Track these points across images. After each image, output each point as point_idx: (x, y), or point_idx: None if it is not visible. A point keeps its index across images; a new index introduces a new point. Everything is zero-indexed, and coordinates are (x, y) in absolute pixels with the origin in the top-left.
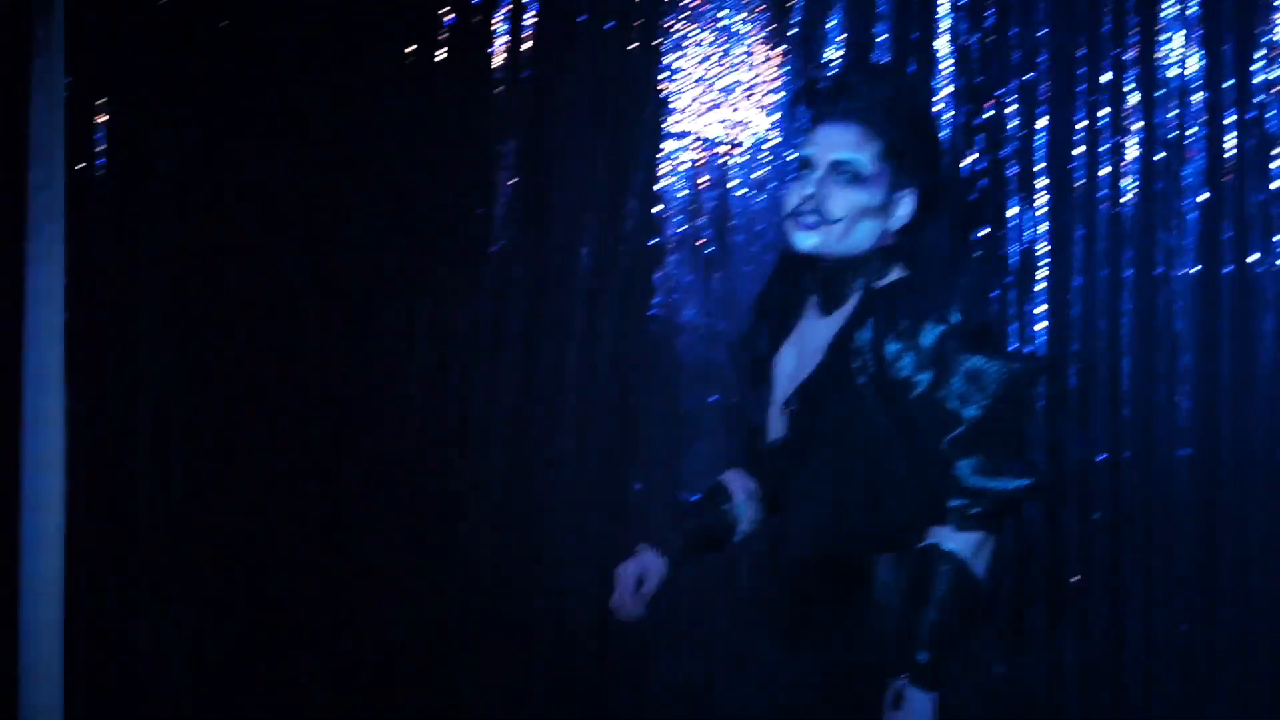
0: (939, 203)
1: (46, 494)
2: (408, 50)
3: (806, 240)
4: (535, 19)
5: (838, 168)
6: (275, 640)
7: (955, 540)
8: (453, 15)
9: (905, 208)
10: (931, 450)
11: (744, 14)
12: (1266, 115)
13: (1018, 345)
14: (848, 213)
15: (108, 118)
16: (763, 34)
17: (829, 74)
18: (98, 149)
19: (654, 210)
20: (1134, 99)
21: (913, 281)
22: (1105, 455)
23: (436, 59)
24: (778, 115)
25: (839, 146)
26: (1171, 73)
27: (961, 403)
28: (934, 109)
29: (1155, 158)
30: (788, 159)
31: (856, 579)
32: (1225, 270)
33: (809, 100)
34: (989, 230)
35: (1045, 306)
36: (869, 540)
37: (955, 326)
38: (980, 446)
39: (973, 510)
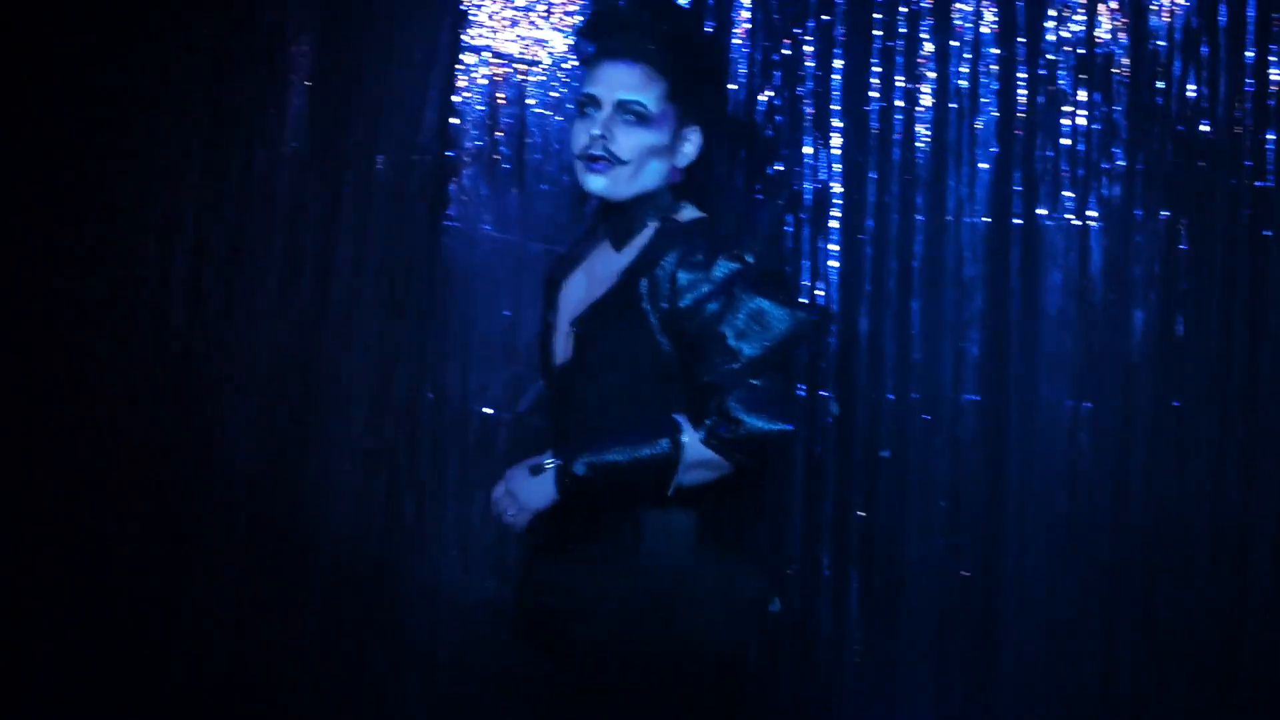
0: (725, 138)
1: None
2: None
3: (596, 182)
4: None
5: (623, 107)
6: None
7: (693, 441)
8: None
9: (692, 145)
10: (707, 380)
11: None
12: (1058, 73)
13: (809, 283)
14: (635, 154)
15: None
16: None
17: (614, 4)
18: None
19: (450, 122)
20: (929, 48)
21: (707, 222)
22: (893, 396)
23: None
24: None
25: (623, 87)
26: (966, 25)
27: (740, 339)
28: (717, 42)
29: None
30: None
31: (625, 534)
32: (1015, 222)
33: (592, 33)
34: (783, 167)
35: (838, 246)
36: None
37: (749, 266)
38: (750, 384)
39: (721, 431)
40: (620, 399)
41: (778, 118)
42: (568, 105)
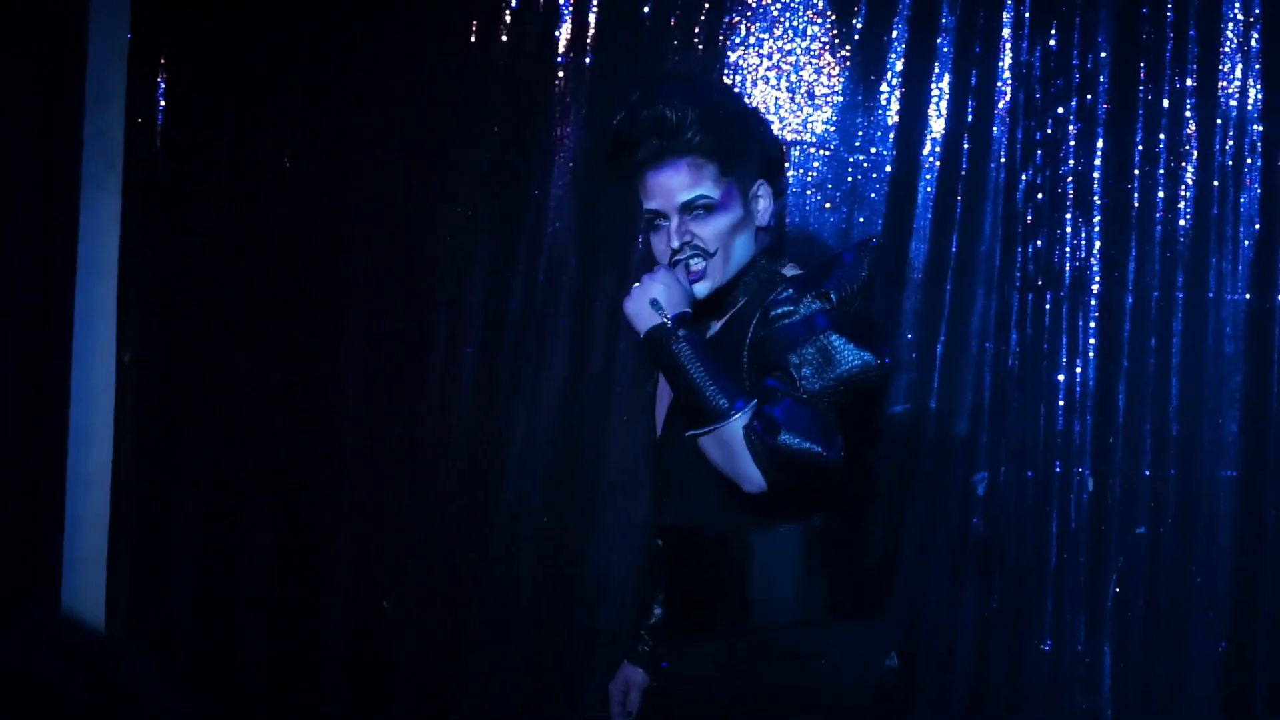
0: (786, 177)
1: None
2: (473, 29)
3: (699, 289)
4: (600, 6)
5: (688, 208)
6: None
7: (738, 422)
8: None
9: (765, 200)
10: (763, 388)
11: (808, 14)
12: None
13: (1065, 360)
14: (719, 242)
15: (166, 74)
16: (826, 35)
17: (631, 113)
18: (159, 105)
19: None
20: (1190, 127)
21: (805, 275)
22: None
23: (501, 41)
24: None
25: (679, 190)
26: (1232, 103)
27: (802, 367)
28: (733, 92)
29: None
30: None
31: (733, 558)
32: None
33: (624, 149)
34: (1042, 246)
35: (1095, 324)
36: (749, 514)
37: (833, 305)
38: (798, 402)
39: (758, 427)
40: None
41: (1038, 197)
42: None
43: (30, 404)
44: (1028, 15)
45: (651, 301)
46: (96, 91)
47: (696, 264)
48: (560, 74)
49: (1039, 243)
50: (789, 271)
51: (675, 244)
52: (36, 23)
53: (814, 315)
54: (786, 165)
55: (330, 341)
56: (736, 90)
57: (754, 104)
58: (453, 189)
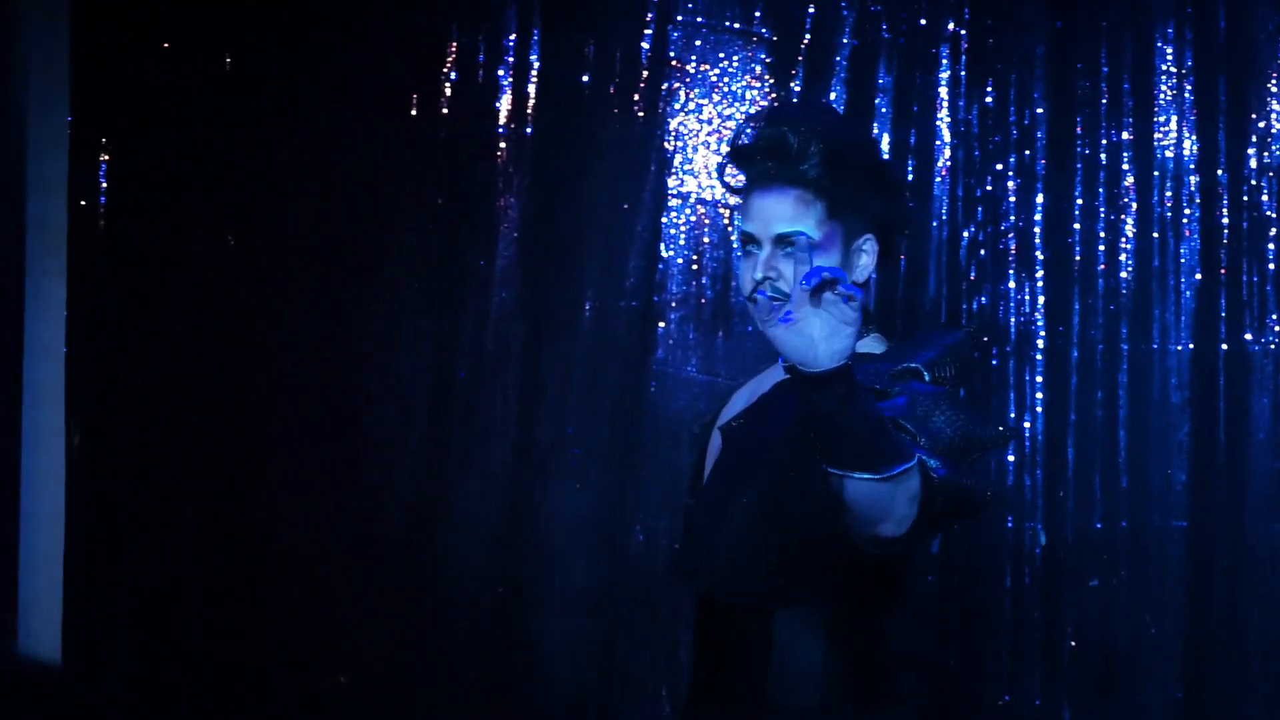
0: (901, 241)
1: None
2: (413, 102)
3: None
4: (540, 77)
5: (783, 241)
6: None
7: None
8: (457, 72)
9: (868, 256)
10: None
11: (747, 78)
12: (1260, 199)
13: (1014, 415)
14: None
15: (108, 156)
16: (764, 100)
17: (755, 125)
18: (100, 185)
19: (657, 268)
20: (1128, 179)
21: (890, 354)
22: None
23: (442, 113)
24: None
25: (779, 219)
26: (1168, 154)
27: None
28: (873, 140)
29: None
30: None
31: (755, 632)
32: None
33: (737, 161)
34: (986, 302)
35: (1041, 378)
36: (776, 588)
37: (932, 388)
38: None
39: (939, 474)
40: (769, 507)
41: (981, 253)
42: None
43: None
44: (963, 74)
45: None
46: (38, 177)
47: (787, 317)
48: (501, 144)
49: (983, 299)
50: (875, 343)
51: (759, 275)
52: None
53: (916, 394)
54: (907, 232)
55: (275, 413)
56: (872, 138)
57: (889, 159)
58: (396, 261)
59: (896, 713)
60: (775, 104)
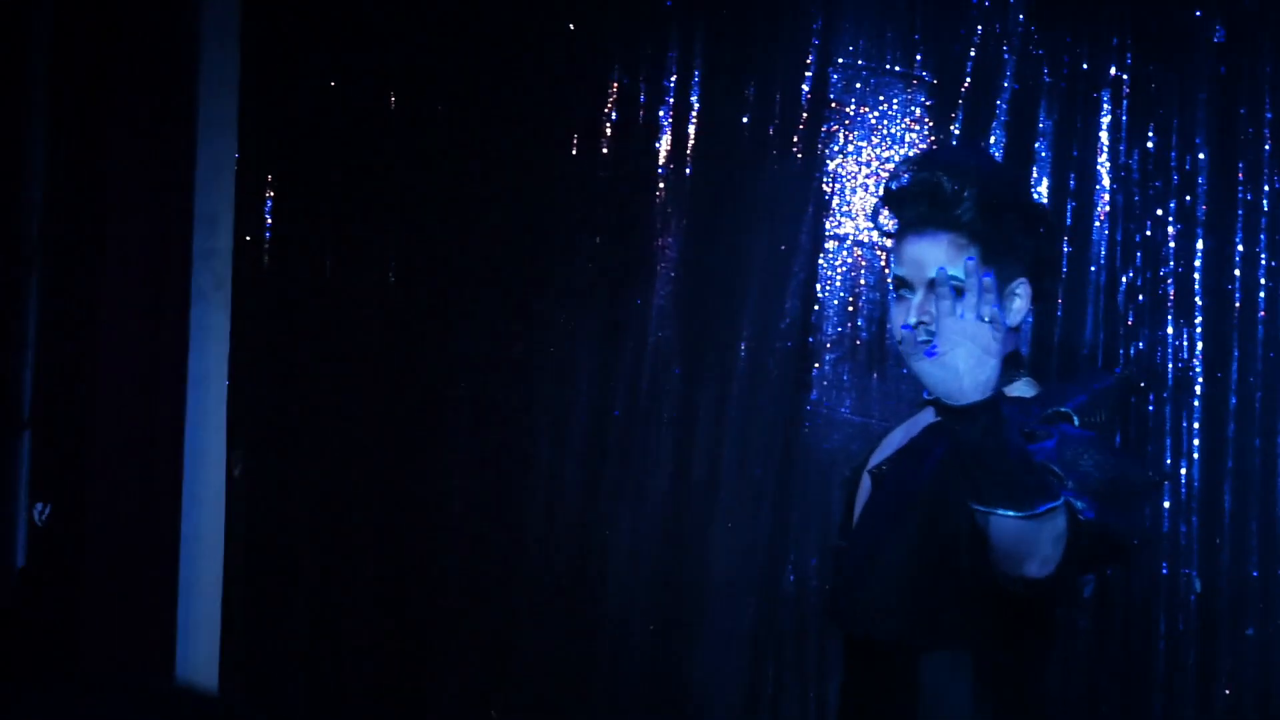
0: (1055, 284)
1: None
2: (574, 142)
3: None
4: (699, 118)
5: (935, 286)
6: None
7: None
8: (618, 112)
9: (1021, 300)
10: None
11: (906, 121)
12: None
13: (1170, 461)
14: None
15: (273, 192)
16: (924, 143)
17: (909, 170)
18: (266, 220)
19: (813, 309)
20: None
21: (1041, 398)
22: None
23: (602, 153)
24: None
25: (932, 263)
26: None
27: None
28: (1021, 177)
29: None
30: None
31: (902, 673)
32: None
33: (890, 205)
34: (1144, 347)
35: (1199, 424)
36: (923, 630)
37: (1082, 432)
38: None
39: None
40: (918, 549)
41: (1139, 298)
42: None
43: (145, 511)
44: (1124, 118)
45: (968, 369)
46: (205, 211)
47: (929, 349)
48: (660, 185)
49: (1140, 344)
50: (1026, 387)
51: (912, 320)
52: (148, 145)
53: (1065, 437)
54: (1061, 274)
55: (436, 451)
56: (1025, 179)
57: (1042, 201)
58: (555, 299)
59: None
60: (929, 148)
